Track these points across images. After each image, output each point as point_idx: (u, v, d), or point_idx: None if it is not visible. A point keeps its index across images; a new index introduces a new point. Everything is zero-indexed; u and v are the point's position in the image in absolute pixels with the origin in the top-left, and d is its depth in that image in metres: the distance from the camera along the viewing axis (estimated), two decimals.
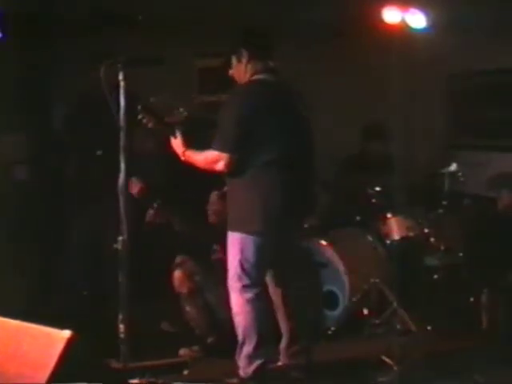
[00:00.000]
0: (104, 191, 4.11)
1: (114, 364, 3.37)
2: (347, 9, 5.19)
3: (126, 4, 5.19)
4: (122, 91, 3.32)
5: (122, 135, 3.32)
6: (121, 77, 3.33)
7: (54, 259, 5.02)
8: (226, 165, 3.56)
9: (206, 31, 5.92)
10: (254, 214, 3.59)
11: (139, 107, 3.72)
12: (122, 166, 3.31)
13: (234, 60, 3.76)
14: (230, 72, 3.81)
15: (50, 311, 4.57)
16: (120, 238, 3.36)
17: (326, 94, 3.96)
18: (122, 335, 3.30)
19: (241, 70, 3.74)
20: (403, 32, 5.67)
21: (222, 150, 3.56)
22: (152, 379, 3.76)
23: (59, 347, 2.57)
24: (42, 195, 5.25)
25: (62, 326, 2.65)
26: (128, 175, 3.34)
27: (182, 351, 4.20)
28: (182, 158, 3.75)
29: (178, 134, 3.74)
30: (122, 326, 3.30)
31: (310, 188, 3.87)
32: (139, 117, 3.71)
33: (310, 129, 3.85)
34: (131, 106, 3.73)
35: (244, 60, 3.72)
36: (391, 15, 5.63)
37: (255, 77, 3.71)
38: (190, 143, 3.76)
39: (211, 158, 3.61)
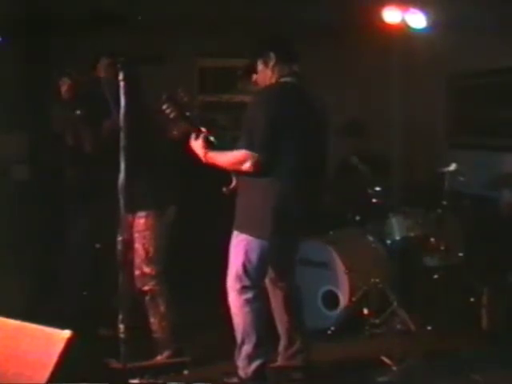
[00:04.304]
0: (104, 191, 4.11)
1: (114, 364, 3.36)
2: (347, 9, 5.19)
3: (126, 4, 5.20)
4: (122, 91, 3.32)
5: (122, 135, 3.31)
6: (121, 77, 3.32)
7: (54, 259, 5.02)
8: (253, 164, 3.51)
9: (207, 31, 5.94)
10: (265, 219, 3.57)
11: (164, 96, 3.66)
12: (122, 165, 3.31)
13: (259, 64, 3.73)
14: (254, 77, 3.77)
15: (50, 311, 4.57)
16: (120, 238, 3.36)
17: (325, 94, 3.95)
18: (121, 335, 3.30)
19: (267, 74, 3.72)
20: (403, 32, 5.67)
21: (251, 149, 3.51)
22: (152, 379, 3.77)
23: (59, 347, 2.57)
24: (42, 195, 5.25)
25: (62, 326, 2.65)
26: (128, 175, 3.33)
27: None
28: (203, 160, 3.70)
29: (201, 136, 3.69)
30: (121, 326, 3.30)
31: (319, 195, 3.90)
32: (163, 106, 3.64)
33: (328, 137, 3.85)
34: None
35: (271, 63, 3.70)
36: (391, 15, 5.64)
37: (282, 80, 3.70)
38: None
39: (239, 158, 3.55)
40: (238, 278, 3.63)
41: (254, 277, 3.65)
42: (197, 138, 3.71)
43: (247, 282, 3.63)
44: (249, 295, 3.64)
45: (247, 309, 3.63)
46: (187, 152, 3.77)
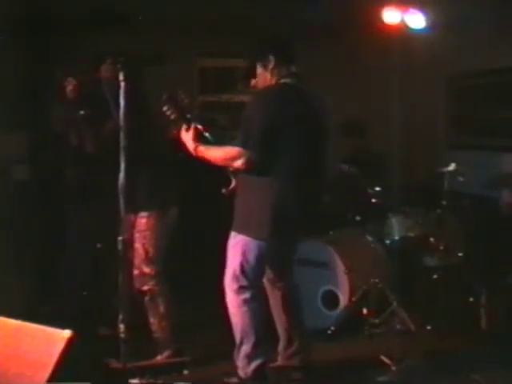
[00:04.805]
0: (105, 191, 4.11)
1: (114, 364, 3.36)
2: (347, 9, 5.19)
3: (126, 4, 5.19)
4: (122, 91, 3.32)
5: (122, 135, 3.31)
6: (121, 77, 3.32)
7: (53, 259, 5.02)
8: (245, 163, 3.50)
9: (207, 31, 5.94)
10: (263, 220, 3.56)
11: (165, 97, 3.65)
12: (122, 166, 3.31)
13: (258, 67, 3.72)
14: (253, 82, 3.76)
15: (50, 311, 4.57)
16: (120, 238, 3.36)
17: (325, 94, 3.96)
18: (122, 335, 3.30)
19: (266, 76, 3.71)
20: (403, 32, 5.67)
21: (244, 146, 3.50)
22: (152, 379, 3.77)
23: (59, 347, 2.58)
24: (42, 195, 5.25)
25: (62, 326, 2.65)
26: (129, 175, 3.33)
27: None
28: (193, 153, 3.68)
29: (192, 128, 3.66)
30: (121, 326, 3.30)
31: (318, 195, 3.90)
32: (164, 108, 3.64)
33: (327, 139, 3.84)
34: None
35: (270, 66, 3.70)
36: (391, 16, 5.64)
37: (281, 81, 3.70)
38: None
39: (231, 154, 3.55)
40: (236, 278, 3.63)
41: (251, 277, 3.64)
42: (188, 130, 3.68)
43: (244, 282, 3.63)
44: (246, 295, 3.63)
45: (245, 309, 3.63)
46: (186, 151, 3.77)
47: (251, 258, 3.61)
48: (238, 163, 3.53)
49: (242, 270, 3.62)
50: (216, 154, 3.64)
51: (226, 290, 3.68)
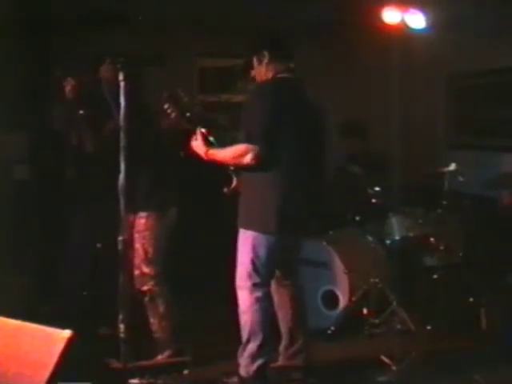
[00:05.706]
0: (104, 191, 4.11)
1: (114, 364, 3.37)
2: (347, 9, 5.19)
3: (126, 4, 5.19)
4: (122, 91, 3.32)
5: (122, 135, 3.31)
6: (121, 77, 3.33)
7: (53, 259, 5.02)
8: (254, 157, 3.53)
9: (207, 31, 5.94)
10: (269, 214, 3.59)
11: (165, 95, 3.68)
12: (122, 166, 3.31)
13: (254, 61, 3.77)
14: (252, 73, 3.81)
15: (50, 311, 4.57)
16: (120, 238, 3.36)
17: (325, 94, 3.97)
18: (122, 335, 3.30)
19: (261, 71, 3.76)
20: (403, 32, 5.67)
21: (250, 141, 3.54)
22: (152, 379, 3.77)
23: (59, 347, 2.57)
24: (42, 195, 5.25)
25: (62, 326, 2.65)
26: (129, 175, 3.33)
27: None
28: (205, 158, 3.73)
29: (199, 135, 3.72)
30: (121, 326, 3.30)
31: (318, 189, 3.91)
32: (165, 106, 3.66)
33: (326, 132, 3.86)
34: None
35: (265, 61, 3.74)
36: (391, 15, 5.64)
37: (278, 76, 3.73)
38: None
39: (240, 151, 3.57)
40: (249, 276, 3.65)
41: (263, 273, 3.67)
42: (196, 138, 3.74)
43: (257, 279, 3.65)
44: (259, 293, 3.66)
45: (256, 307, 3.65)
46: (187, 153, 3.79)
47: (261, 252, 3.63)
48: (248, 159, 3.55)
49: (254, 267, 3.64)
50: (225, 154, 3.68)
51: (239, 289, 3.69)
